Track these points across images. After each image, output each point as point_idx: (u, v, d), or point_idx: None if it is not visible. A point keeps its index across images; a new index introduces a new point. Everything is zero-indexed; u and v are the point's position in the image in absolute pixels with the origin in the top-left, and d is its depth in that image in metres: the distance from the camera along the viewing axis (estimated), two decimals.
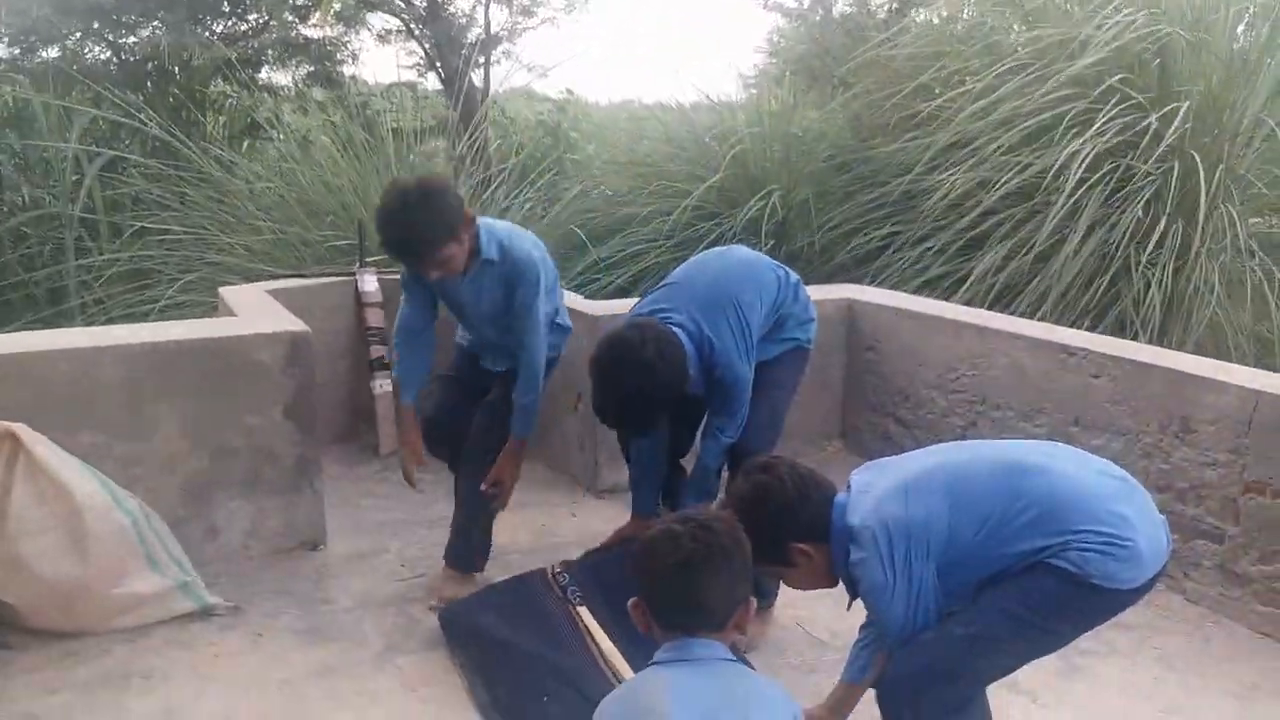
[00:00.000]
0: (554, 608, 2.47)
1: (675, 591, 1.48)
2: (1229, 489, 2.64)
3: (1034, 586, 1.68)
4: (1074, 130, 4.68)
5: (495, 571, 2.82)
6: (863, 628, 1.97)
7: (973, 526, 1.69)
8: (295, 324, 2.97)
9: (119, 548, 2.53)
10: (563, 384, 3.66)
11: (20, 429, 2.43)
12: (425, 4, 9.23)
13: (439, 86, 9.70)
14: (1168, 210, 4.57)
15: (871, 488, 1.77)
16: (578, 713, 1.95)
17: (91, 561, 2.48)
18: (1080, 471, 1.75)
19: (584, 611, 2.44)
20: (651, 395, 2.29)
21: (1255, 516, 2.59)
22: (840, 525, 1.76)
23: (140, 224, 5.95)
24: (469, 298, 2.65)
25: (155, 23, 7.97)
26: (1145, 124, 4.57)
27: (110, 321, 5.47)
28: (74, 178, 6.68)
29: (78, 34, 8.05)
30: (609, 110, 12.07)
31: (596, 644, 2.34)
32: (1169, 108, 4.56)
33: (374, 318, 3.99)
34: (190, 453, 2.82)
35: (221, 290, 3.79)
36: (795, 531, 1.76)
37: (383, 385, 3.93)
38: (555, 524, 3.32)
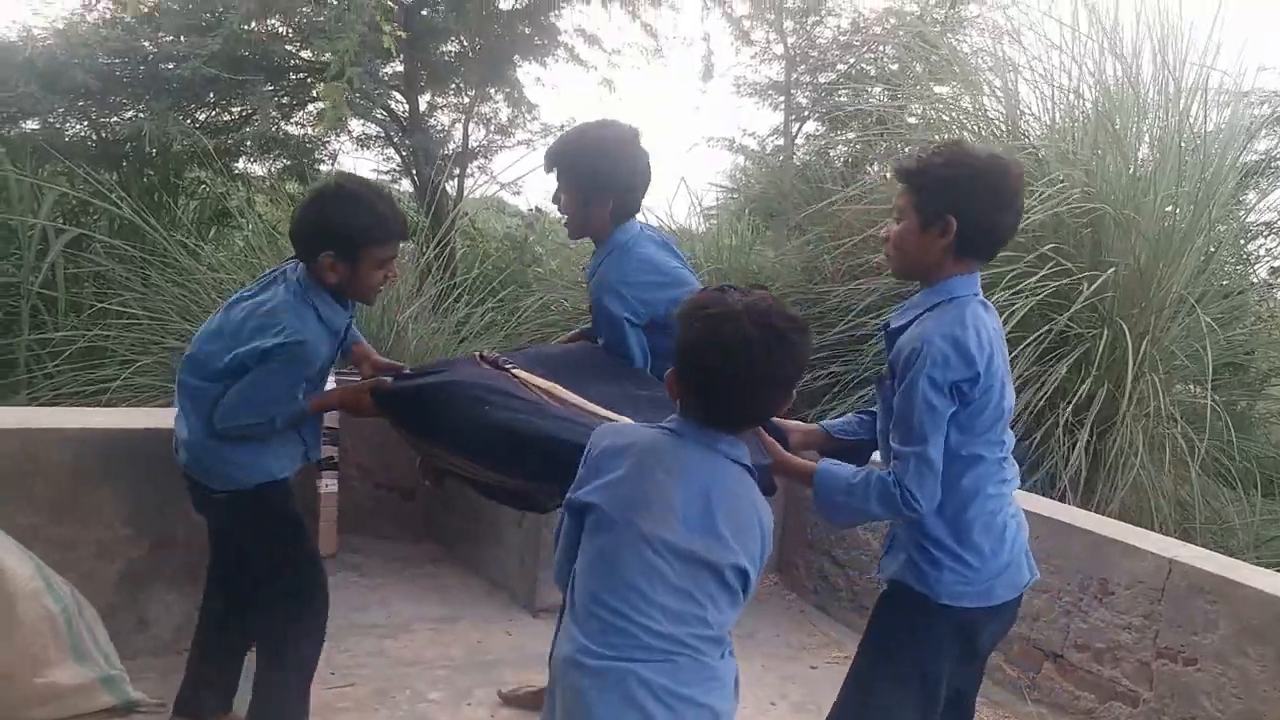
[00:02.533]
0: (488, 371, 2.37)
1: (715, 376, 1.51)
2: (1143, 653, 2.75)
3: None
4: (1012, 289, 4.96)
5: (424, 686, 2.81)
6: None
7: None
8: None
9: (45, 636, 2.49)
10: None
11: None
12: (407, 116, 9.53)
13: (411, 192, 9.93)
14: (1094, 373, 4.83)
15: None
16: (523, 417, 2.06)
17: (15, 648, 2.44)
18: None
19: (520, 372, 2.33)
20: None
21: (1168, 682, 2.70)
22: None
23: (101, 304, 5.96)
24: None
25: (140, 107, 8.13)
26: (1077, 290, 4.86)
27: (58, 398, 5.42)
28: (38, 247, 6.69)
29: (61, 109, 8.16)
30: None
31: (540, 388, 2.25)
32: (1100, 278, 4.87)
33: (328, 417, 4.03)
34: (130, 541, 2.82)
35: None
36: None
37: (328, 485, 3.94)
38: (490, 641, 3.32)
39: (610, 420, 2.04)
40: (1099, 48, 5.77)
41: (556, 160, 2.56)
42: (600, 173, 2.47)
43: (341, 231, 2.25)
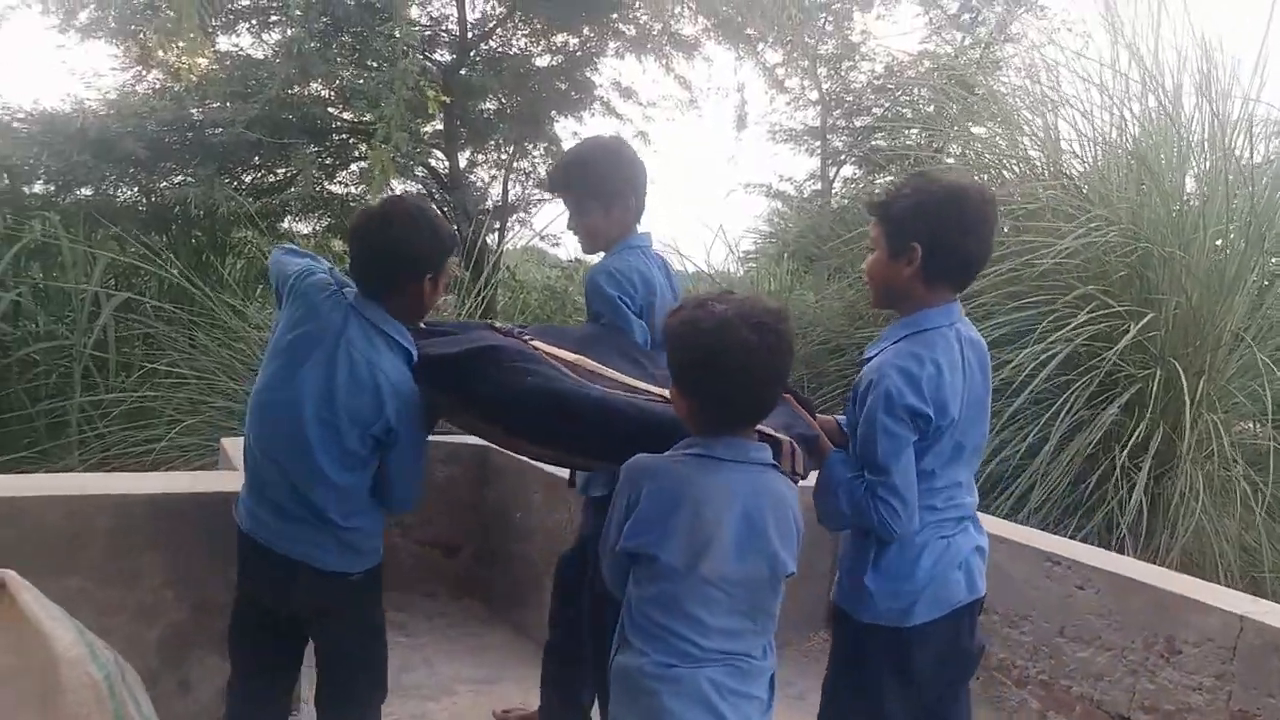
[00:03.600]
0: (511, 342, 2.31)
1: (732, 382, 1.62)
2: (1216, 715, 2.62)
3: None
4: (1055, 329, 4.86)
5: None
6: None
7: None
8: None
9: (89, 703, 2.47)
10: (549, 555, 3.67)
11: (7, 574, 2.43)
12: (447, 172, 9.69)
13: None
14: (1149, 414, 4.69)
15: None
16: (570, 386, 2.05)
17: (59, 714, 2.43)
18: None
19: (540, 344, 2.27)
20: None
21: None
22: None
23: (149, 365, 6.07)
24: None
25: (188, 172, 8.35)
26: (1122, 329, 4.75)
27: (108, 458, 5.50)
28: (90, 310, 6.87)
29: (112, 177, 8.41)
30: None
31: (566, 360, 2.20)
32: (1147, 317, 4.75)
33: None
34: (172, 605, 2.81)
35: (224, 440, 3.85)
36: None
37: None
38: (532, 702, 3.24)
39: (650, 394, 2.04)
40: (1139, 84, 5.71)
41: (567, 177, 2.58)
42: (616, 176, 2.50)
43: (433, 250, 2.22)
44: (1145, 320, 4.71)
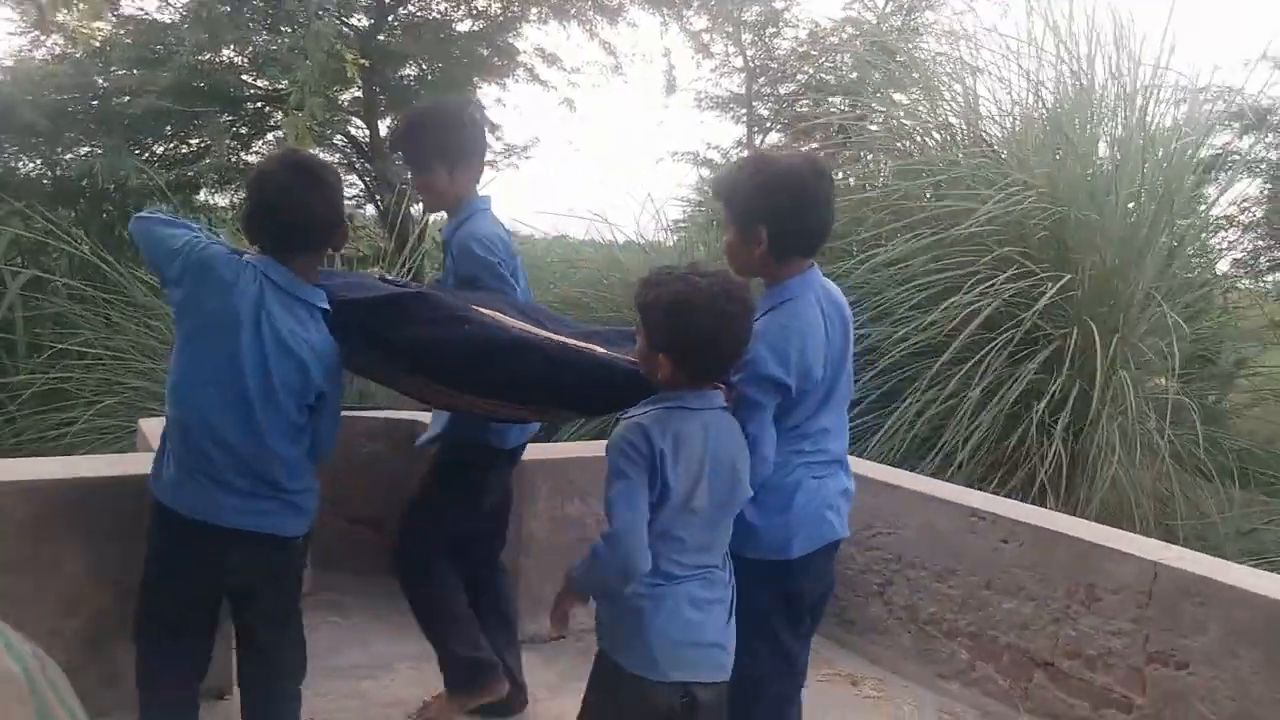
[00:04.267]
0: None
1: (716, 343, 1.86)
2: (1134, 658, 2.73)
3: None
4: (978, 292, 4.97)
5: None
6: None
7: None
8: None
9: (7, 698, 2.39)
10: None
11: None
12: (368, 141, 9.47)
13: (375, 217, 9.86)
14: (1067, 372, 4.84)
15: None
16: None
17: None
18: None
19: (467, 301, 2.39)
20: None
21: (1160, 687, 2.68)
22: None
23: (61, 345, 5.84)
24: None
25: (94, 143, 8.00)
26: (1040, 289, 4.88)
27: (20, 443, 5.29)
28: None
29: (13, 149, 8.02)
30: (543, 244, 12.36)
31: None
32: (1064, 278, 4.88)
33: None
34: (94, 593, 2.72)
35: (141, 422, 3.72)
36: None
37: None
38: None
39: (571, 345, 2.25)
40: (1053, 53, 5.83)
41: (415, 136, 2.66)
42: (462, 138, 2.62)
43: (343, 207, 2.30)
44: (1063, 281, 4.84)
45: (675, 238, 9.59)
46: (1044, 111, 5.91)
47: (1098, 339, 4.78)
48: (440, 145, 2.57)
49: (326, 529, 3.90)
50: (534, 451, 3.58)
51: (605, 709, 1.96)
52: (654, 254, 7.64)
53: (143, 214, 2.31)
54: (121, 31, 8.49)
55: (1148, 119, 5.64)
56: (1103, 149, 5.73)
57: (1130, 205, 5.66)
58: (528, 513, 3.38)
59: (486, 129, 2.74)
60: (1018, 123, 6.00)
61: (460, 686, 2.75)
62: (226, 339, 2.10)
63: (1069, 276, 4.89)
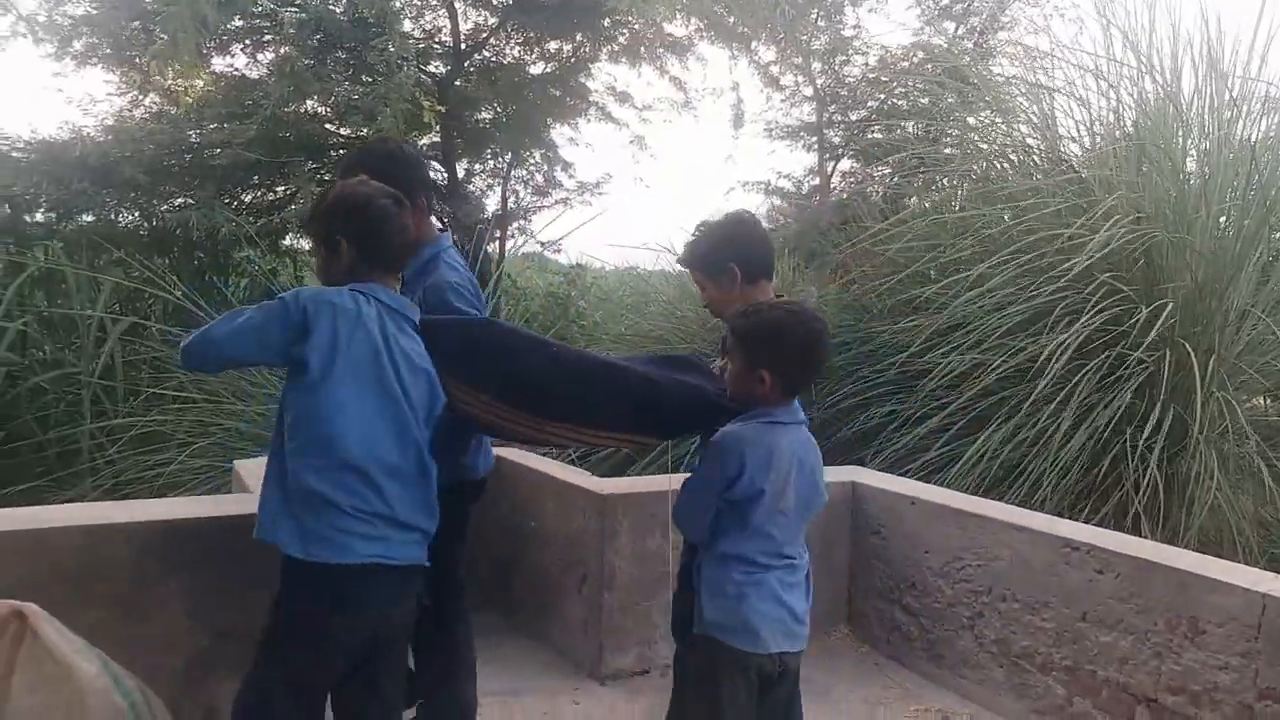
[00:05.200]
0: None
1: (809, 360, 2.22)
2: (1244, 694, 2.61)
3: None
4: (1068, 318, 4.84)
5: None
6: None
7: None
8: None
9: None
10: (566, 564, 3.68)
11: (29, 609, 2.43)
12: (446, 183, 9.70)
13: None
14: (1162, 396, 4.68)
15: None
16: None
17: None
18: None
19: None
20: None
21: None
22: None
23: (157, 389, 6.08)
24: None
25: (188, 195, 8.36)
26: (1134, 317, 4.74)
27: (120, 484, 5.51)
28: (96, 336, 6.88)
29: (113, 202, 8.42)
30: (614, 276, 12.47)
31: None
32: (1157, 303, 4.73)
33: None
34: (194, 632, 2.81)
35: (237, 464, 3.85)
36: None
37: None
38: (558, 712, 3.26)
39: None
40: (1134, 68, 5.69)
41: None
42: (408, 176, 2.57)
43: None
44: (1166, 307, 4.67)
45: None
46: (1125, 129, 5.76)
47: (1194, 359, 4.61)
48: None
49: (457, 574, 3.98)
50: (616, 486, 3.61)
51: (708, 687, 2.19)
52: None
53: (193, 337, 2.15)
54: (213, 88, 8.88)
55: (1238, 130, 5.45)
56: (1190, 165, 5.55)
57: (1222, 220, 5.47)
58: (610, 548, 3.39)
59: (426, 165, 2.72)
60: (1100, 140, 5.86)
61: None
62: (374, 368, 2.12)
63: (1169, 305, 4.72)
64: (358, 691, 2.24)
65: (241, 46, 9.12)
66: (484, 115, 9.97)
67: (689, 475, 2.30)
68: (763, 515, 2.16)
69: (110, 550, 2.69)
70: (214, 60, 9.00)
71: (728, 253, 2.53)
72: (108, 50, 8.49)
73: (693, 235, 2.63)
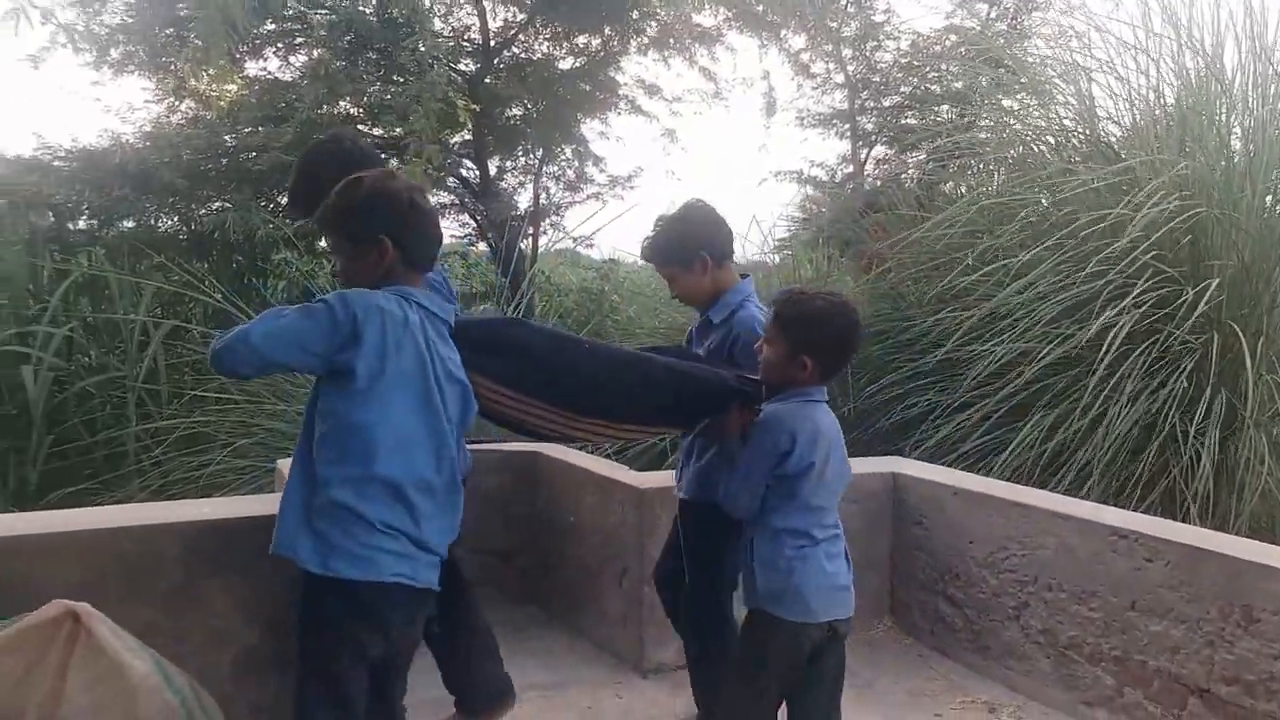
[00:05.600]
0: None
1: (847, 347, 2.35)
2: None
3: None
4: (1111, 303, 4.76)
5: None
6: None
7: None
8: None
9: None
10: (605, 558, 3.68)
11: (82, 609, 2.48)
12: (478, 181, 9.74)
13: (488, 253, 10.12)
14: (1210, 380, 4.58)
15: None
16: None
17: None
18: None
19: None
20: None
21: None
22: None
23: (199, 391, 6.17)
24: None
25: (225, 198, 8.48)
26: (1181, 297, 4.64)
27: (166, 484, 5.60)
28: (140, 339, 6.99)
29: (153, 207, 8.57)
30: (646, 270, 12.48)
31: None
32: (1204, 283, 4.64)
33: None
34: (243, 629, 2.85)
35: (279, 463, 3.89)
36: None
37: None
38: (601, 706, 3.26)
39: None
40: (1174, 43, 5.57)
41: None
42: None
43: None
44: (1207, 287, 4.57)
45: (779, 255, 9.54)
46: (1166, 107, 5.65)
47: (1244, 342, 4.51)
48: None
49: (456, 560, 4.01)
50: (654, 480, 3.61)
51: (758, 658, 2.30)
52: (759, 274, 7.60)
53: (227, 339, 1.97)
54: (247, 92, 9.00)
55: None
56: (1235, 143, 5.43)
57: (1268, 199, 5.34)
58: (649, 541, 3.39)
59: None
60: (1140, 119, 5.75)
61: None
62: (420, 380, 2.04)
63: (1215, 281, 4.62)
64: (369, 706, 2.23)
65: (273, 50, 9.23)
66: (514, 112, 10.01)
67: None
68: (810, 489, 2.27)
69: (160, 550, 2.73)
70: (247, 64, 9.11)
71: (696, 242, 2.67)
72: (143, 57, 8.64)
73: (653, 231, 2.75)
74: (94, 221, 8.51)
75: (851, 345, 2.34)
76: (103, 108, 13.83)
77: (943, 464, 4.51)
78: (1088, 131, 5.94)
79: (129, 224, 8.54)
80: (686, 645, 2.89)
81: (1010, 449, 4.71)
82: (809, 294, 2.33)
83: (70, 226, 8.41)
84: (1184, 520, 4.08)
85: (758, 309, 2.66)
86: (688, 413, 2.47)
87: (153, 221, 8.70)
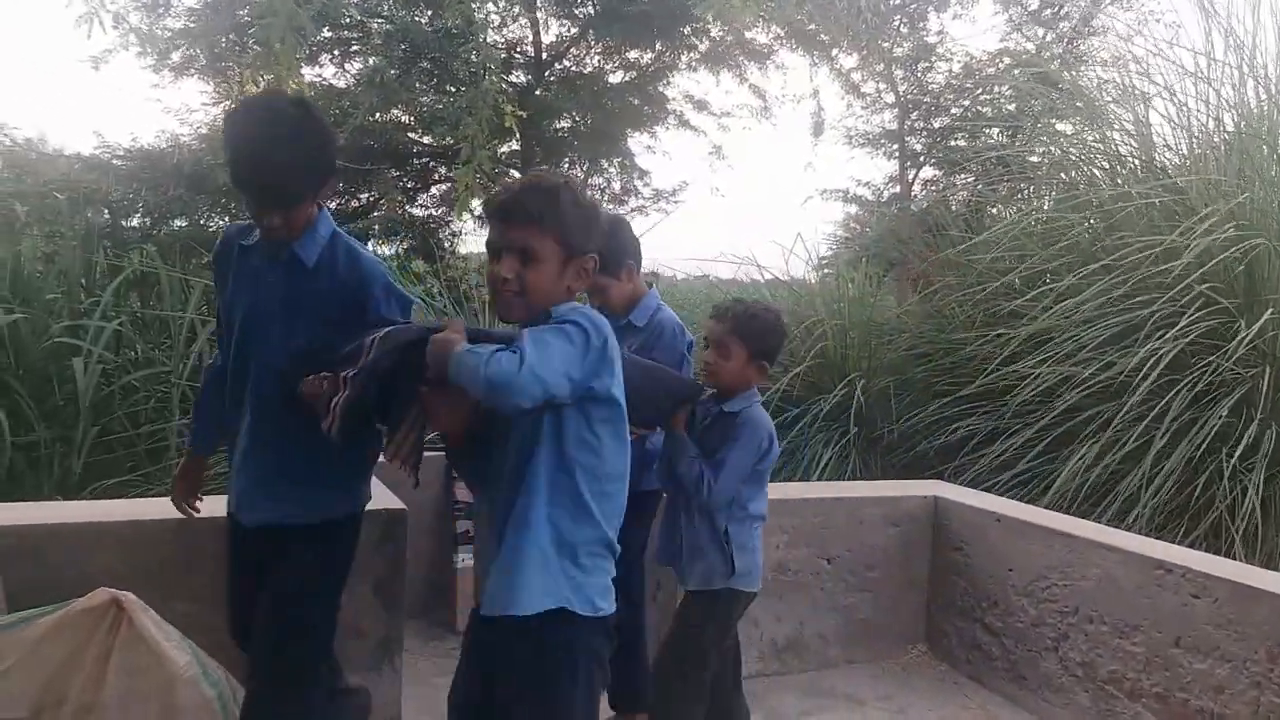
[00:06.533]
0: None
1: (780, 352, 2.78)
2: None
3: None
4: (1160, 331, 4.67)
5: None
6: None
7: None
8: (392, 501, 3.03)
9: None
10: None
11: (126, 598, 2.52)
12: None
13: None
14: (1259, 415, 4.48)
15: None
16: None
17: None
18: None
19: None
20: None
21: None
22: None
23: None
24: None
25: None
26: (1233, 329, 4.55)
27: (207, 478, 5.66)
28: (186, 336, 7.10)
29: (205, 207, 8.73)
30: (686, 284, 12.49)
31: None
32: (1258, 315, 4.53)
33: (462, 492, 4.09)
34: None
35: None
36: None
37: (464, 560, 3.98)
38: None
39: None
40: (1236, 71, 5.47)
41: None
42: None
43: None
44: (1261, 320, 4.47)
45: (821, 274, 9.49)
46: (1225, 136, 5.54)
47: None
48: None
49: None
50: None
51: (706, 628, 2.57)
52: (800, 290, 7.55)
53: (502, 368, 1.67)
54: (295, 87, 9.15)
55: None
56: None
57: None
58: None
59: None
60: (1198, 147, 5.65)
61: None
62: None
63: (1271, 313, 4.51)
64: None
65: (330, 57, 9.39)
66: (562, 124, 10.08)
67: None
68: (766, 472, 2.62)
69: (200, 542, 2.77)
70: (303, 70, 9.27)
71: (625, 253, 2.84)
72: (203, 62, 8.82)
73: (753, 306, 2.89)
74: (147, 219, 8.68)
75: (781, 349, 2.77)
76: (162, 109, 14.13)
77: (985, 490, 4.44)
78: (1144, 158, 5.85)
79: (181, 223, 8.70)
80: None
81: (1057, 477, 4.63)
82: (757, 307, 2.64)
83: (124, 224, 8.58)
84: (1229, 557, 3.98)
85: (670, 312, 2.93)
86: (661, 413, 2.55)
87: (204, 221, 8.87)
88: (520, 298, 1.82)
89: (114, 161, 8.45)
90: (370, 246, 9.93)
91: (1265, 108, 5.36)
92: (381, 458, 2.15)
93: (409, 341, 1.87)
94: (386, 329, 1.94)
